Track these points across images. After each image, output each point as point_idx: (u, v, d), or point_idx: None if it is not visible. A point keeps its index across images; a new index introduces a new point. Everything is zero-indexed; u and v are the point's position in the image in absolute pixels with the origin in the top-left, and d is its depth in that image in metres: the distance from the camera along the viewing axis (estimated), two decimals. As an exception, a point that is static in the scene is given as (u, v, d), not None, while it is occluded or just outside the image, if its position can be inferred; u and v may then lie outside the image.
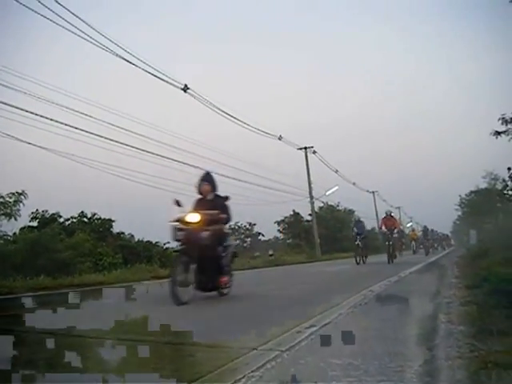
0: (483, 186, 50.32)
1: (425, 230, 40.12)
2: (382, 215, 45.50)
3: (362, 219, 28.34)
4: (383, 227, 23.34)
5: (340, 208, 55.57)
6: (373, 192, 65.39)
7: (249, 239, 53.00)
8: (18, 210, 19.42)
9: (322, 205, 48.82)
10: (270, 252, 31.99)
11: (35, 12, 15.51)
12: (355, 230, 23.51)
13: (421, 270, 14.81)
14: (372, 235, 41.66)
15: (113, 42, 18.51)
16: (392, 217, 24.38)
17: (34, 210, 23.29)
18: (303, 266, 23.88)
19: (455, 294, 7.17)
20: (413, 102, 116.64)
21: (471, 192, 71.50)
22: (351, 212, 56.70)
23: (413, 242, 38.21)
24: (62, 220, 24.85)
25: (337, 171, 45.81)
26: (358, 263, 21.14)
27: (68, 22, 16.41)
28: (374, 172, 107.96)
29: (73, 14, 16.41)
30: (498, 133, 17.12)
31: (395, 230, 23.77)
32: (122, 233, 27.69)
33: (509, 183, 23.62)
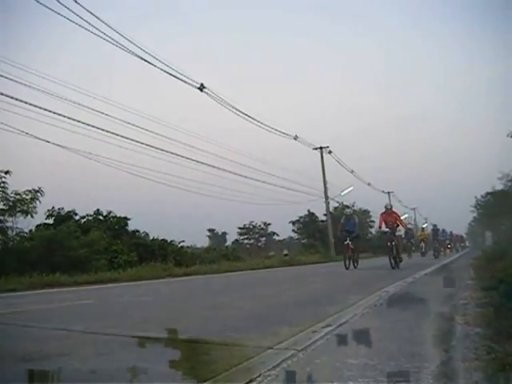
0: (499, 187, 49.75)
1: (435, 229, 36.53)
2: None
3: (354, 215, 23.13)
4: (382, 225, 19.02)
5: (355, 208, 55.44)
6: (388, 192, 65.14)
7: (263, 238, 53.01)
8: (35, 207, 19.54)
9: (337, 205, 48.61)
10: (285, 252, 31.95)
11: (58, 14, 15.65)
12: (345, 227, 19.80)
13: (433, 272, 14.70)
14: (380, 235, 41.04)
15: (131, 41, 18.61)
16: (393, 211, 19.41)
17: (50, 208, 23.41)
18: (316, 267, 23.83)
19: (471, 295, 7.13)
20: (428, 104, 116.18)
21: (487, 193, 70.96)
22: (366, 212, 56.53)
23: (422, 243, 34.01)
24: (77, 218, 24.96)
25: (352, 171, 45.74)
26: (347, 268, 18.17)
27: (87, 22, 16.53)
28: (389, 173, 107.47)
29: (92, 14, 16.52)
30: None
31: (398, 228, 19.25)
32: (137, 231, 27.78)
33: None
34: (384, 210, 19.59)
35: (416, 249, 36.49)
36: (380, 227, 19.56)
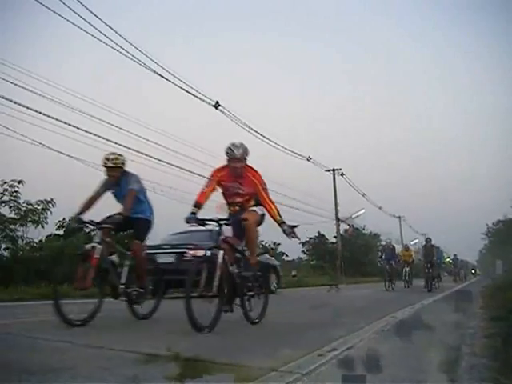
0: (511, 215, 49.51)
1: (427, 245, 23.84)
2: (407, 241, 44.31)
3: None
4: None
5: (366, 231, 55.25)
6: (399, 217, 64.92)
7: (272, 257, 52.91)
8: (46, 217, 19.60)
9: (347, 227, 48.48)
10: (293, 273, 31.88)
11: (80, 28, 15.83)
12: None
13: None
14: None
15: (148, 56, 18.75)
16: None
17: (61, 219, 23.49)
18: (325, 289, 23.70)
19: (479, 324, 7.05)
20: (441, 131, 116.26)
21: (498, 221, 70.63)
22: (377, 236, 56.31)
23: (406, 268, 24.58)
24: (87, 230, 24.98)
25: (364, 194, 45.65)
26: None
27: (104, 35, 16.69)
28: (400, 198, 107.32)
29: (109, 26, 16.67)
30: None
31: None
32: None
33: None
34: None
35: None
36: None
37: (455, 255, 41.19)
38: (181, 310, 5.86)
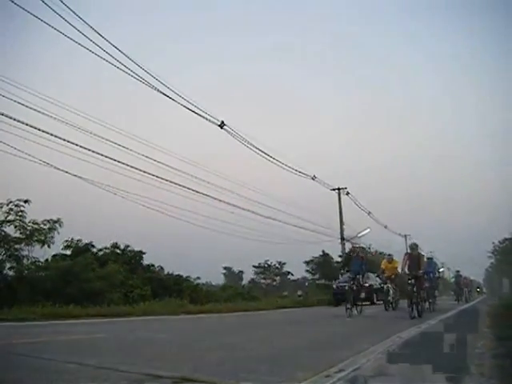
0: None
1: (412, 254, 18.04)
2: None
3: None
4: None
5: (371, 250, 55.03)
6: (405, 235, 64.69)
7: (278, 278, 52.78)
8: (52, 237, 19.63)
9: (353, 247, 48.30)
10: (299, 293, 31.83)
11: (84, 47, 15.96)
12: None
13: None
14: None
15: (156, 78, 18.84)
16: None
17: (69, 239, 23.54)
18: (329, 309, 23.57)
19: (486, 344, 7.00)
20: (446, 149, 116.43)
21: (505, 239, 70.18)
22: (382, 255, 56.08)
23: (388, 285, 19.76)
24: (95, 250, 25.04)
25: (369, 213, 45.52)
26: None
27: (112, 57, 16.80)
28: (405, 216, 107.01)
29: (115, 47, 16.79)
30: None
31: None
32: (152, 265, 27.81)
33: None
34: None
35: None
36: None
37: (458, 271, 36.33)
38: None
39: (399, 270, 19.09)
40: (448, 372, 4.69)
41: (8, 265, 19.15)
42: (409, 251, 16.74)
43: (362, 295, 19.11)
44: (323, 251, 48.57)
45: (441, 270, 60.73)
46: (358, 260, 18.29)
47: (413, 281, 14.94)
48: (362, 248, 51.63)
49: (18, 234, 19.13)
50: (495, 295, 44.43)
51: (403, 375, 4.69)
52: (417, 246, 16.88)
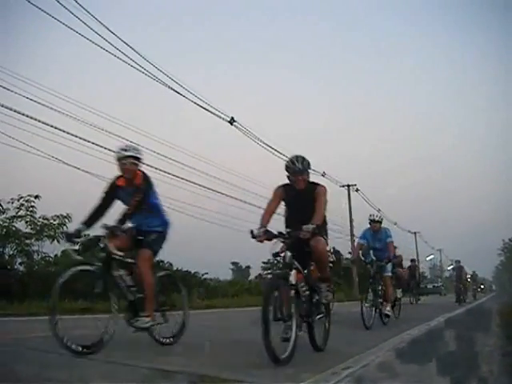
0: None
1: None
2: (423, 256, 42.17)
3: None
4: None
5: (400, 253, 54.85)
6: (414, 233, 64.53)
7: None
8: (62, 232, 19.69)
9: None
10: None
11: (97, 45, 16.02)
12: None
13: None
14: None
15: (165, 73, 18.87)
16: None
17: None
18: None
19: (496, 343, 6.97)
20: (456, 149, 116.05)
21: (515, 237, 69.80)
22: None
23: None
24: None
25: (379, 210, 45.40)
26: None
27: (121, 52, 16.85)
28: (416, 213, 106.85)
29: (125, 43, 16.84)
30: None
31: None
32: (162, 261, 27.85)
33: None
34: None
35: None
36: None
37: (458, 261, 27.30)
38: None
39: None
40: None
41: (19, 260, 19.25)
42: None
43: None
44: (333, 248, 48.53)
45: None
46: None
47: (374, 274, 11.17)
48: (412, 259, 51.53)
49: (28, 230, 19.22)
50: (505, 292, 43.95)
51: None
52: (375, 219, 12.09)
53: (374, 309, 10.61)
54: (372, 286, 10.91)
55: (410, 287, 22.80)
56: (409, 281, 22.29)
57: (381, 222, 11.97)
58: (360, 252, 11.95)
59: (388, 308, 11.22)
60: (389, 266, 11.58)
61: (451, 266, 60.10)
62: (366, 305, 10.41)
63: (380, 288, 11.08)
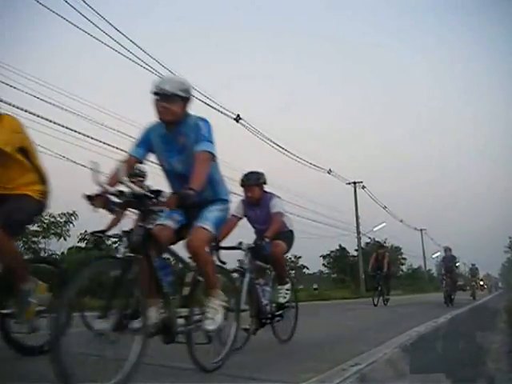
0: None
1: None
2: (429, 254, 41.93)
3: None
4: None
5: (387, 244, 54.88)
6: (421, 230, 64.45)
7: (293, 271, 52.72)
8: (68, 230, 19.72)
9: (368, 240, 48.12)
10: (315, 286, 31.72)
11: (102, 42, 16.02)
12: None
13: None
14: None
15: (170, 71, 18.87)
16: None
17: (83, 231, 23.63)
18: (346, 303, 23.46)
19: (504, 339, 6.93)
20: (463, 144, 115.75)
21: (523, 234, 69.44)
22: (398, 249, 55.92)
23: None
24: (109, 242, 25.07)
25: (385, 207, 45.38)
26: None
27: (123, 47, 16.85)
28: (421, 210, 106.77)
29: (129, 39, 16.83)
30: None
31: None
32: (168, 258, 27.85)
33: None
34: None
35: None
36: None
37: (448, 249, 20.60)
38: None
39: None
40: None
41: (26, 257, 19.28)
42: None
43: None
44: (340, 245, 48.50)
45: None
46: None
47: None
48: (378, 242, 51.54)
49: (35, 227, 19.27)
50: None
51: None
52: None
53: None
54: None
55: (377, 283, 18.37)
56: (374, 273, 18.54)
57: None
58: None
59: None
60: None
61: (437, 254, 59.19)
62: None
63: None
